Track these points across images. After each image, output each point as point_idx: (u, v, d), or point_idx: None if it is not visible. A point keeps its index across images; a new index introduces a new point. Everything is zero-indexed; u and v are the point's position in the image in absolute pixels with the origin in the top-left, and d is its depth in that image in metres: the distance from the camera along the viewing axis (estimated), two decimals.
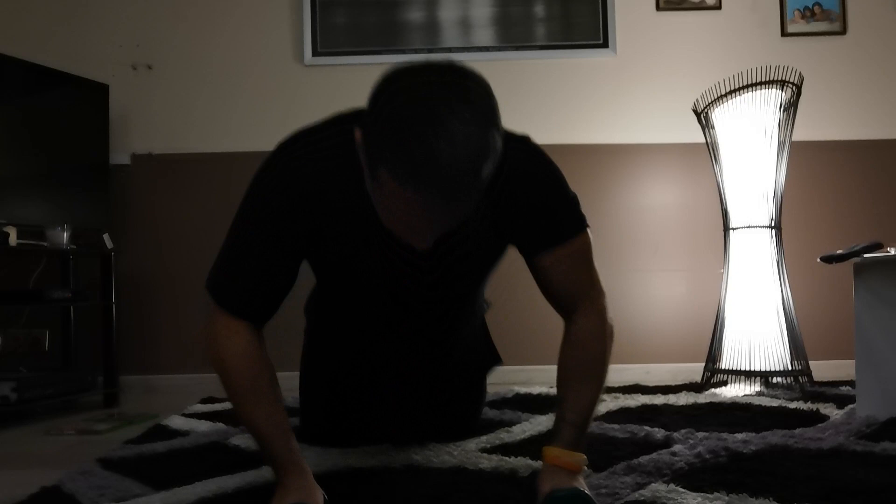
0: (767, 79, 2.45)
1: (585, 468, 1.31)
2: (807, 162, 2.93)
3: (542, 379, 2.64)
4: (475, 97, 0.93)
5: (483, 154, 0.92)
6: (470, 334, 1.62)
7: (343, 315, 1.49)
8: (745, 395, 2.33)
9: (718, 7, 3.05)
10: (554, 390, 2.56)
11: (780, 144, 2.48)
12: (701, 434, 1.72)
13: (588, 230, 1.30)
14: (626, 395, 2.37)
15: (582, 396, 1.25)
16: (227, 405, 2.40)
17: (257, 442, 1.22)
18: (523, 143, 1.26)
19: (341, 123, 1.19)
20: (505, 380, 2.70)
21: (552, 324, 3.10)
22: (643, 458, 1.49)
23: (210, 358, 1.23)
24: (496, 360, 1.79)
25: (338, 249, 1.25)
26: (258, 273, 1.20)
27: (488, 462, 1.51)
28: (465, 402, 1.75)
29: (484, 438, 1.75)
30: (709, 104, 2.59)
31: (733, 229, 2.55)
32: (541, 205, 1.23)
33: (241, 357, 1.20)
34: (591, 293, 1.29)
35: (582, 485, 1.19)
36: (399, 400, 1.60)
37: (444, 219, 0.97)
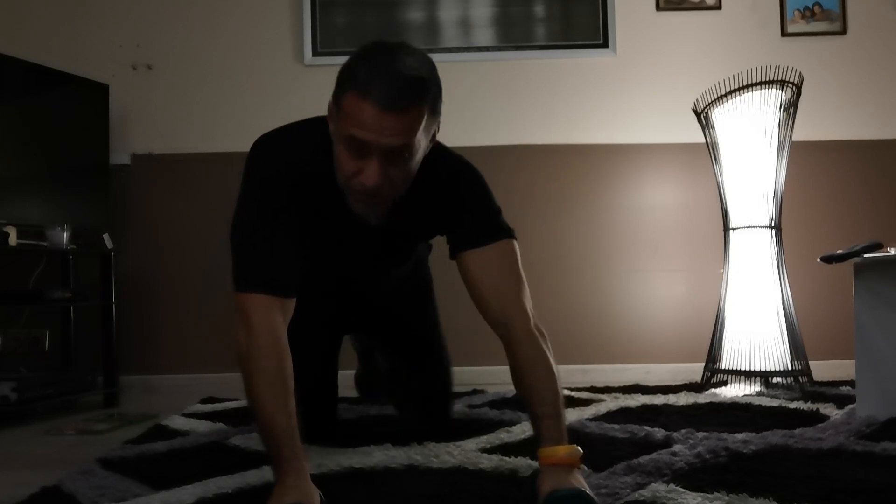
0: (767, 79, 2.45)
1: (583, 466, 1.31)
2: (807, 162, 2.94)
3: None
4: (423, 59, 1.23)
5: (426, 80, 1.20)
6: (407, 269, 1.79)
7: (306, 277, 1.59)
8: (745, 395, 2.34)
9: (718, 7, 3.05)
10: None
11: (780, 144, 2.48)
12: (701, 434, 1.72)
13: (514, 241, 1.41)
14: (626, 395, 2.37)
15: (543, 389, 1.29)
16: (227, 405, 2.40)
17: (265, 433, 1.23)
18: (460, 157, 1.46)
19: (312, 120, 1.42)
20: (505, 380, 2.70)
21: (551, 325, 3.11)
22: (643, 458, 1.49)
23: (240, 343, 1.26)
24: (428, 284, 1.94)
25: (309, 220, 1.41)
26: (269, 245, 1.30)
27: (488, 462, 1.51)
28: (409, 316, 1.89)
29: (484, 438, 1.75)
30: (709, 104, 2.60)
31: (733, 229, 2.55)
32: (470, 205, 1.40)
33: (270, 338, 1.24)
34: (519, 302, 1.35)
35: (581, 482, 1.19)
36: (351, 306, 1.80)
37: (392, 134, 1.18)
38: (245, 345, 1.25)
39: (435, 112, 1.25)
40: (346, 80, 1.22)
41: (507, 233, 1.40)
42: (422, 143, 1.26)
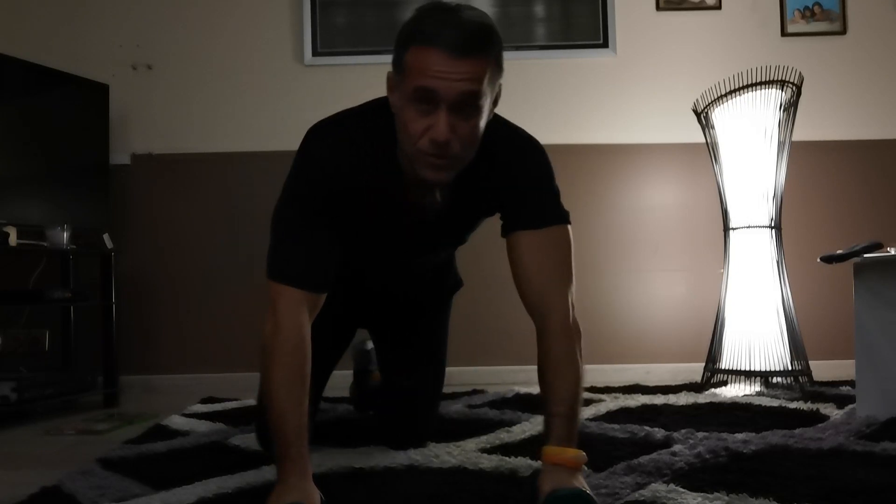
0: (767, 79, 2.45)
1: (585, 467, 1.31)
2: (807, 162, 2.93)
3: None
4: (485, 14, 1.22)
5: (493, 30, 1.19)
6: (446, 264, 1.77)
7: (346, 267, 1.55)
8: (745, 395, 2.34)
9: (718, 7, 3.05)
10: None
11: (780, 144, 2.48)
12: (701, 434, 1.72)
13: (569, 227, 1.35)
14: (626, 395, 2.37)
15: (563, 388, 1.26)
16: (227, 405, 2.40)
17: (275, 429, 1.22)
18: (524, 132, 1.40)
19: (369, 105, 1.36)
20: (505, 380, 2.71)
21: None
22: (643, 458, 1.50)
23: (265, 334, 1.26)
24: (457, 285, 1.86)
25: (362, 211, 1.38)
26: (308, 240, 1.29)
27: (488, 462, 1.52)
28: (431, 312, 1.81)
29: (484, 438, 1.75)
30: (709, 104, 2.60)
31: (733, 229, 2.56)
32: (531, 184, 1.35)
33: (296, 334, 1.25)
34: (560, 293, 1.31)
35: (582, 483, 1.19)
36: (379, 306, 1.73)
37: (461, 79, 1.14)
38: (270, 337, 1.25)
39: (499, 66, 1.22)
40: (407, 39, 1.18)
41: (563, 218, 1.35)
42: (487, 99, 1.21)
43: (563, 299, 1.30)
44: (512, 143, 1.36)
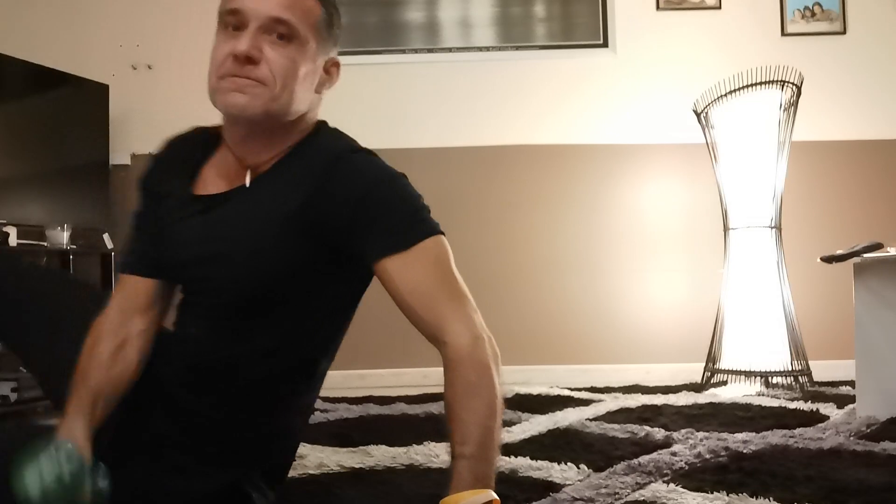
0: (767, 79, 2.46)
1: (586, 467, 1.30)
2: (807, 162, 2.93)
3: (541, 379, 2.64)
4: None
5: None
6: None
7: None
8: (745, 395, 2.34)
9: (718, 7, 3.05)
10: (554, 390, 2.57)
11: (780, 144, 2.48)
12: (701, 434, 1.72)
13: (443, 236, 1.12)
14: (626, 395, 2.37)
15: (470, 423, 1.03)
16: None
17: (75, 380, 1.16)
18: (365, 150, 1.18)
19: None
20: (504, 380, 2.70)
21: (551, 325, 3.08)
22: (643, 458, 1.50)
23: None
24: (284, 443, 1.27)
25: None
26: (138, 231, 1.30)
27: None
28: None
29: None
30: (709, 104, 2.60)
31: (733, 229, 2.56)
32: (383, 206, 1.11)
33: (103, 318, 1.20)
34: (456, 309, 1.09)
35: None
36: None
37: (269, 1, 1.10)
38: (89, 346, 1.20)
39: (329, 23, 1.16)
40: None
41: (432, 230, 1.12)
42: (311, 44, 1.14)
43: (461, 319, 1.08)
44: (345, 157, 1.15)
